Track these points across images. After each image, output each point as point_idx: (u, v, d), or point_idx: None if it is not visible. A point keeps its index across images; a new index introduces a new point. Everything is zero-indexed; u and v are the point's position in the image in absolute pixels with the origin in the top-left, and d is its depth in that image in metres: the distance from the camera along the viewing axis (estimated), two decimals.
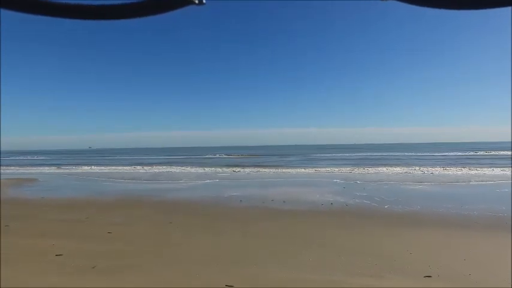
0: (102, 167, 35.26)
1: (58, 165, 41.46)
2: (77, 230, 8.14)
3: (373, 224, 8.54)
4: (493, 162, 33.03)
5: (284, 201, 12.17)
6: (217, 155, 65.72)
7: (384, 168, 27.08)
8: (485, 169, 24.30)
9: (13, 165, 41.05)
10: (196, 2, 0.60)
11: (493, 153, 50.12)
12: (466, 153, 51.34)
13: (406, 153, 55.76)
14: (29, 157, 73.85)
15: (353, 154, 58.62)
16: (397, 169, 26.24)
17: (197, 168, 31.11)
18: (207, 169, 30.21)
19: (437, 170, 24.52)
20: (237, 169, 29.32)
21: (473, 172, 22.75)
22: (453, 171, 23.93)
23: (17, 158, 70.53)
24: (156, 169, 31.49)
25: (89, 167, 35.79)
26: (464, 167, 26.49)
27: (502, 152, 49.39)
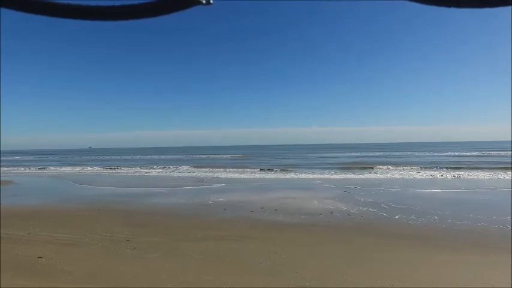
0: (89, 168, 33.52)
1: (45, 166, 39.70)
2: (5, 252, 6.32)
3: (385, 245, 6.69)
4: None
5: (276, 210, 10.34)
6: (217, 155, 63.89)
7: (386, 170, 25.27)
8: (498, 173, 22.42)
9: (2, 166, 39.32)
10: (204, 2, 0.59)
11: (503, 153, 48.15)
12: (472, 154, 49.35)
13: (408, 153, 53.76)
14: (24, 157, 72.18)
15: (354, 154, 56.66)
16: (401, 171, 24.40)
17: (186, 169, 29.29)
18: (198, 170, 28.39)
19: (442, 173, 22.65)
20: (230, 171, 27.50)
21: (484, 176, 20.88)
22: (460, 174, 22.04)
23: (10, 158, 68.85)
24: (144, 171, 29.70)
25: (75, 168, 34.08)
26: (474, 170, 24.61)
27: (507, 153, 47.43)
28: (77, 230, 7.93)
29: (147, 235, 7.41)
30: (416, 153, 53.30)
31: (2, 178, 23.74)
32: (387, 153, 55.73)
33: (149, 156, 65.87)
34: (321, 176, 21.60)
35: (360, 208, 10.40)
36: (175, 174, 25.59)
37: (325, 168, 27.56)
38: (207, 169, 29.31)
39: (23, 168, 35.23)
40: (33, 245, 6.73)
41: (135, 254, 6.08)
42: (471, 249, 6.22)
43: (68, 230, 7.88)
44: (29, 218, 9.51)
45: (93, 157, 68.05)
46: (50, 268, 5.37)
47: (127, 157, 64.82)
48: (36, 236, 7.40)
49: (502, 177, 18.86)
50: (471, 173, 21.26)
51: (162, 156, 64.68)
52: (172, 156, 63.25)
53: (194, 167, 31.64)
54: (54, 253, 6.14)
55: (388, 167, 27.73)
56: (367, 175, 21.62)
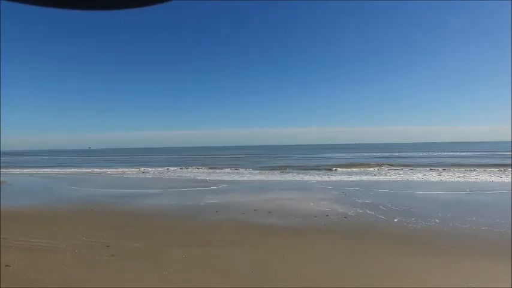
0: (84, 169, 33.08)
1: (42, 167, 39.26)
2: None
3: (384, 250, 6.24)
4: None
5: (269, 212, 9.89)
6: (215, 156, 63.44)
7: (385, 171, 24.85)
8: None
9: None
10: None
11: (503, 154, 47.76)
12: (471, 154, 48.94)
13: (407, 153, 53.33)
14: (22, 158, 71.68)
15: (353, 154, 56.22)
16: (401, 172, 23.98)
17: (183, 169, 28.84)
18: (195, 170, 27.94)
19: (443, 174, 22.23)
20: (227, 172, 27.07)
21: (486, 178, 20.44)
22: (461, 175, 21.61)
23: (9, 158, 68.35)
24: (141, 172, 29.24)
25: (70, 169, 33.65)
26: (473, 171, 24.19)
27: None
28: (56, 234, 7.47)
29: (130, 240, 6.95)
30: (417, 154, 52.87)
31: None
32: (386, 154, 55.30)
33: (148, 157, 65.40)
34: (318, 177, 21.14)
35: (357, 210, 9.95)
36: (171, 174, 25.14)
37: (323, 169, 27.12)
38: (204, 170, 28.86)
39: (18, 169, 34.76)
40: (5, 251, 6.26)
41: (113, 261, 5.62)
42: (474, 255, 5.77)
43: (46, 235, 7.42)
44: (9, 220, 9.05)
45: (91, 157, 67.56)
46: (16, 278, 4.91)
47: (125, 158, 64.36)
48: (11, 241, 6.93)
49: (504, 178, 18.43)
50: (472, 174, 20.84)
51: (161, 157, 64.20)
52: (171, 157, 62.75)
53: (191, 168, 31.18)
54: (25, 261, 5.68)
55: (387, 167, 27.30)
56: (365, 176, 21.18)
